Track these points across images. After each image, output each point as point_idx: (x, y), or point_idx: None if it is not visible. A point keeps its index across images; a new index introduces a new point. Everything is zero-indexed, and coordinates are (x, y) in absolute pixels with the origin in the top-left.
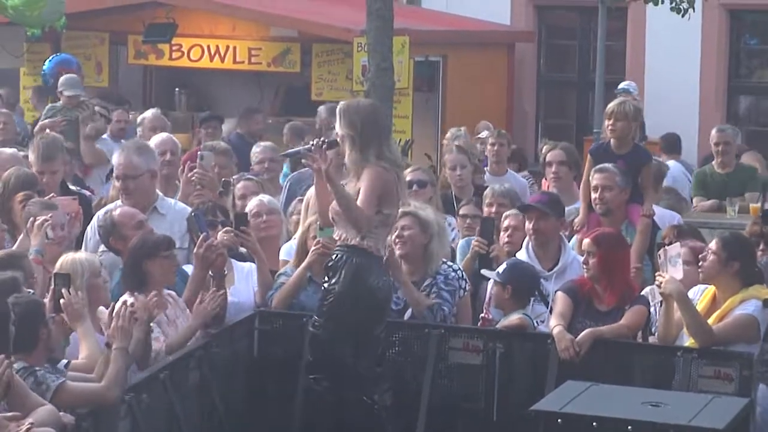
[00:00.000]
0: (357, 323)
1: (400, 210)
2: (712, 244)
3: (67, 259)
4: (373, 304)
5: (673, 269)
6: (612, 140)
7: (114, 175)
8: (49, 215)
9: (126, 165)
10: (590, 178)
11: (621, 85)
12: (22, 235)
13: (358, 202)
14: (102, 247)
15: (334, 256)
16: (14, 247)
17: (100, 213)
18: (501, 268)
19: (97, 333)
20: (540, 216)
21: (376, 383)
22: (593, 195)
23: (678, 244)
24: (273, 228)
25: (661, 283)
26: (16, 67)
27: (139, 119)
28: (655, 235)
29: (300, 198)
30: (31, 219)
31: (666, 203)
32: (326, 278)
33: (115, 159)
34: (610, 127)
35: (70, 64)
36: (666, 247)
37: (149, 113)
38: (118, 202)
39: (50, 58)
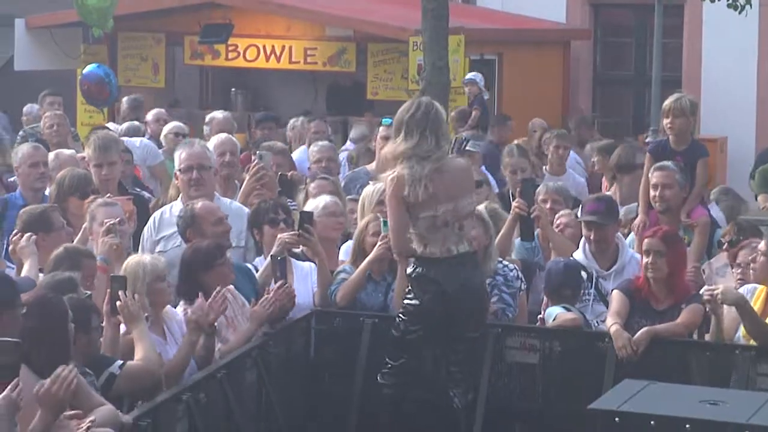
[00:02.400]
0: (441, 327)
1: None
2: (762, 245)
3: (132, 261)
4: (448, 308)
5: (723, 280)
6: (670, 137)
7: (180, 168)
8: (116, 219)
9: (200, 155)
10: (650, 176)
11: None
12: (79, 235)
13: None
14: (159, 247)
15: (409, 268)
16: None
17: (177, 205)
18: None
19: (158, 336)
20: (599, 228)
21: (457, 384)
22: (653, 193)
23: (723, 254)
24: (340, 230)
25: (711, 296)
26: (72, 68)
27: (207, 118)
28: (714, 233)
29: (351, 198)
30: (104, 228)
31: (725, 204)
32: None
33: (184, 152)
34: (668, 125)
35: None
36: (710, 261)
37: (219, 115)
38: (180, 199)
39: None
